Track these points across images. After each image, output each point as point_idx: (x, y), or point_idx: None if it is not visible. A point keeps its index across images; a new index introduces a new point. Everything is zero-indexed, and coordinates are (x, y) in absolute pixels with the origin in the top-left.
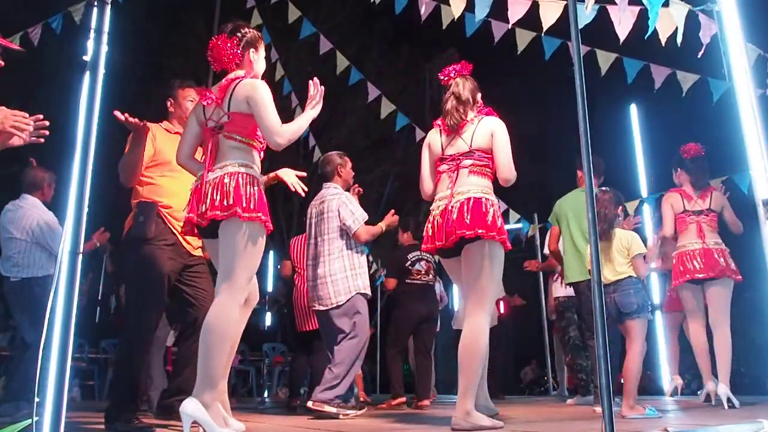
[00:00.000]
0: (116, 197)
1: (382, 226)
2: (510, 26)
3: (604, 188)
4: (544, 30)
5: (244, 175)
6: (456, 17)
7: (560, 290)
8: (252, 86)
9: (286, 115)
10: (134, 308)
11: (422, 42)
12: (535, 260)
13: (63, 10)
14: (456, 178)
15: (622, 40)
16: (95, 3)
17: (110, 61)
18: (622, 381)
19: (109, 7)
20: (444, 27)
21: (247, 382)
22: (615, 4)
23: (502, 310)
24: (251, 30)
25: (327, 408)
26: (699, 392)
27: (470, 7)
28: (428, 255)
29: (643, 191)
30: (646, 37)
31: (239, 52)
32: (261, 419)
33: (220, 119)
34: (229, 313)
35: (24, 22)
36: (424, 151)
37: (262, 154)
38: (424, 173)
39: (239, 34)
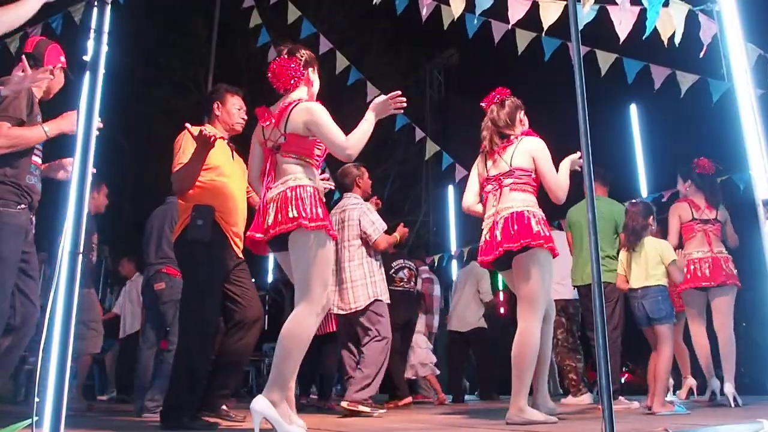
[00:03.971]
0: (117, 197)
1: (396, 236)
2: (510, 27)
3: (633, 201)
4: (545, 30)
5: (306, 187)
6: (456, 17)
7: (556, 294)
8: (308, 111)
9: None
10: (195, 309)
11: (422, 42)
12: None
13: (63, 10)
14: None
15: (622, 40)
16: (95, 3)
17: (110, 61)
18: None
19: (109, 7)
20: (444, 27)
21: (247, 382)
22: (615, 4)
23: (502, 311)
24: (306, 51)
25: (362, 407)
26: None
27: (470, 7)
28: (410, 263)
29: (643, 191)
30: (645, 38)
31: (302, 71)
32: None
33: (278, 140)
34: (307, 323)
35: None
36: (472, 173)
37: (318, 170)
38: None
39: (299, 55)
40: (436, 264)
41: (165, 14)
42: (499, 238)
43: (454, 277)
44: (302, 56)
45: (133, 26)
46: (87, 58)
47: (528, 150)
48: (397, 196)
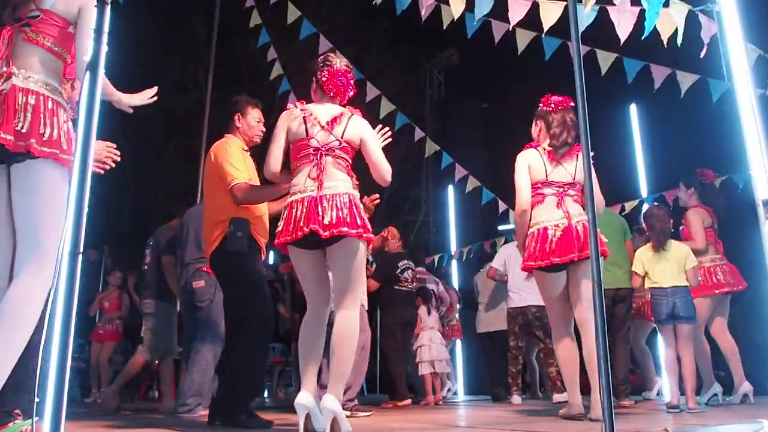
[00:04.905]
0: (116, 197)
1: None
2: (511, 28)
3: (656, 203)
4: (545, 31)
5: (356, 198)
6: (456, 17)
7: (512, 302)
8: (366, 126)
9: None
10: (255, 308)
11: (422, 42)
12: None
13: None
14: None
15: (623, 41)
16: (95, 3)
17: (110, 61)
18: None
19: (109, 7)
20: (444, 27)
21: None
22: (615, 4)
23: None
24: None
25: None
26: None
27: (470, 6)
28: (413, 264)
29: (643, 191)
30: (644, 38)
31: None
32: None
33: (330, 142)
34: (357, 322)
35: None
36: (524, 169)
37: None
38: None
39: (352, 71)
40: (435, 264)
41: (165, 14)
42: (582, 241)
43: (454, 277)
44: (352, 72)
45: (134, 26)
46: (87, 58)
47: (583, 166)
48: (397, 196)
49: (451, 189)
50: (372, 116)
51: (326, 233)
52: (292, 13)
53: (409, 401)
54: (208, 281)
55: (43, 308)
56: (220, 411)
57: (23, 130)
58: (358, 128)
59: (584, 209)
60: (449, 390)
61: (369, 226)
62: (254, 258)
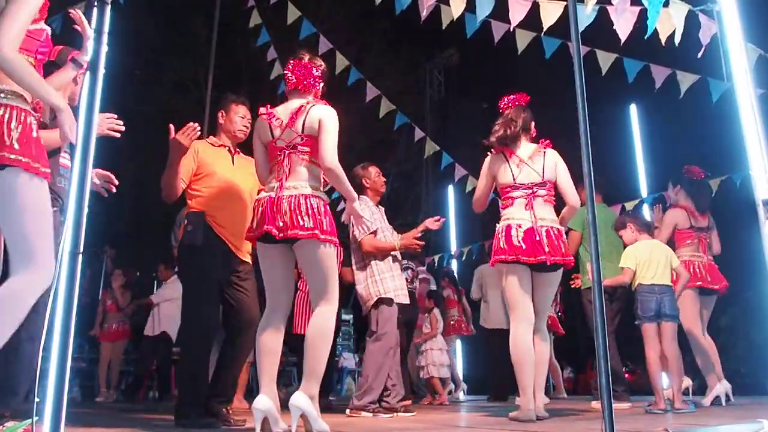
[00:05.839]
0: (117, 197)
1: (396, 245)
2: (512, 29)
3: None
4: (544, 31)
5: (318, 198)
6: (455, 17)
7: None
8: (325, 110)
9: None
10: (194, 314)
11: (422, 42)
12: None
13: (63, 10)
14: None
15: (623, 40)
16: (95, 3)
17: (110, 61)
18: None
19: (109, 8)
20: (444, 27)
21: (247, 383)
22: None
23: None
24: (324, 68)
25: (364, 414)
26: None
27: (470, 7)
28: (413, 264)
29: (643, 191)
30: (645, 38)
31: (318, 79)
32: None
33: (293, 140)
34: (332, 321)
35: None
36: (486, 174)
37: None
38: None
39: (319, 65)
40: (436, 264)
41: (165, 14)
42: (547, 249)
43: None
44: (320, 68)
45: (133, 26)
46: (87, 58)
47: (555, 162)
48: (397, 196)
49: (451, 189)
50: (372, 116)
51: (280, 235)
52: (292, 13)
53: (409, 402)
54: None
55: (43, 308)
56: (176, 411)
57: None
58: (316, 115)
59: (556, 210)
60: (451, 392)
61: (330, 229)
62: (211, 256)
